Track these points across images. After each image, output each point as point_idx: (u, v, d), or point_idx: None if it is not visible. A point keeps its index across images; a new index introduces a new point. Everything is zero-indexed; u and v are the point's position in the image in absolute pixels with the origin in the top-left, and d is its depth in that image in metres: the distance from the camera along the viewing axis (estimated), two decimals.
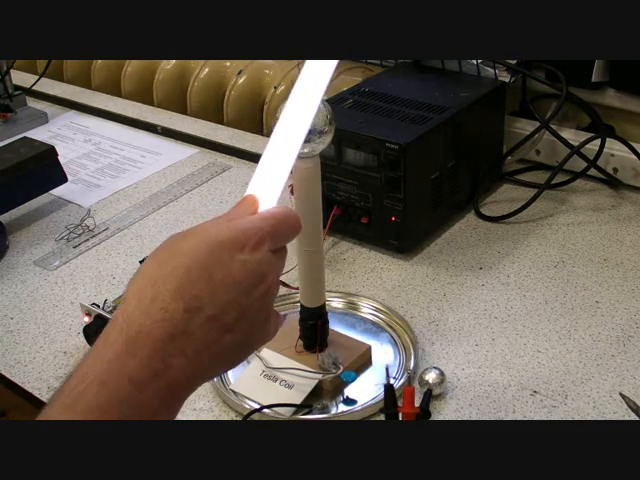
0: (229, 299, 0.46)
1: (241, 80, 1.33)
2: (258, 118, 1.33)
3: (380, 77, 1.06)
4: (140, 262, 0.85)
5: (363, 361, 0.75)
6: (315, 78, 0.55)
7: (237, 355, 0.49)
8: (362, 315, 0.82)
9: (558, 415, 0.68)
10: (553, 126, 1.00)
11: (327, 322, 0.74)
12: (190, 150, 1.22)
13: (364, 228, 0.92)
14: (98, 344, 0.45)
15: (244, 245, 0.47)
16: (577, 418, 0.68)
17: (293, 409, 0.70)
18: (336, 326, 0.78)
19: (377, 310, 0.82)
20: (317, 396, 0.71)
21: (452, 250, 0.93)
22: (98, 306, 0.79)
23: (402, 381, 0.71)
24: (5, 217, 1.03)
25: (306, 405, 0.70)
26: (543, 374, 0.73)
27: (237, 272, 0.46)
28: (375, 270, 0.90)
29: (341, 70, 1.24)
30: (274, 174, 0.53)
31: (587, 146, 0.98)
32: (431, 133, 0.89)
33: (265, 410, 0.69)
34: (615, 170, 1.02)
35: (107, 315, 0.77)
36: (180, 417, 0.69)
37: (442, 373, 0.71)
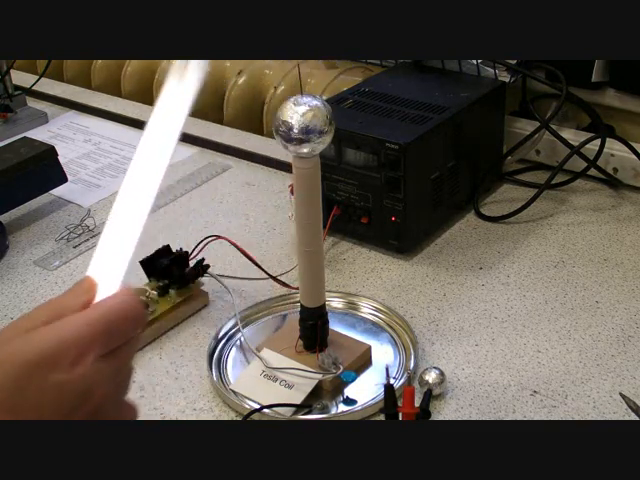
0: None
1: (241, 80, 1.33)
2: (258, 118, 1.33)
3: (380, 77, 1.06)
4: (140, 262, 0.85)
5: (363, 361, 0.75)
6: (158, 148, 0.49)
7: None
8: (362, 315, 0.82)
9: (558, 415, 0.68)
10: (553, 126, 1.00)
11: (327, 322, 0.74)
12: (190, 150, 1.22)
13: (364, 228, 0.92)
14: None
15: (59, 361, 0.38)
16: (577, 418, 0.68)
17: (293, 409, 0.70)
18: (336, 326, 0.78)
19: (377, 310, 0.82)
20: (317, 396, 0.71)
21: (452, 250, 0.93)
22: None
23: (402, 381, 0.71)
24: (5, 217, 1.03)
25: (306, 405, 0.70)
26: (543, 374, 0.73)
27: (51, 398, 0.38)
28: (375, 270, 0.90)
29: (341, 70, 1.24)
30: (117, 249, 0.45)
31: (587, 146, 0.98)
32: (431, 133, 0.89)
33: (265, 410, 0.69)
34: (615, 170, 1.02)
35: None
36: (180, 417, 0.69)
37: (442, 373, 0.71)
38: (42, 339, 0.38)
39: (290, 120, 0.63)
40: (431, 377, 0.70)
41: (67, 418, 0.38)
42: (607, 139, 0.99)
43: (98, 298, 0.42)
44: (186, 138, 1.25)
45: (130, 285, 0.44)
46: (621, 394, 0.68)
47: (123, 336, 0.42)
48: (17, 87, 1.37)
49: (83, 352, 0.39)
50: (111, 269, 0.44)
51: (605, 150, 0.99)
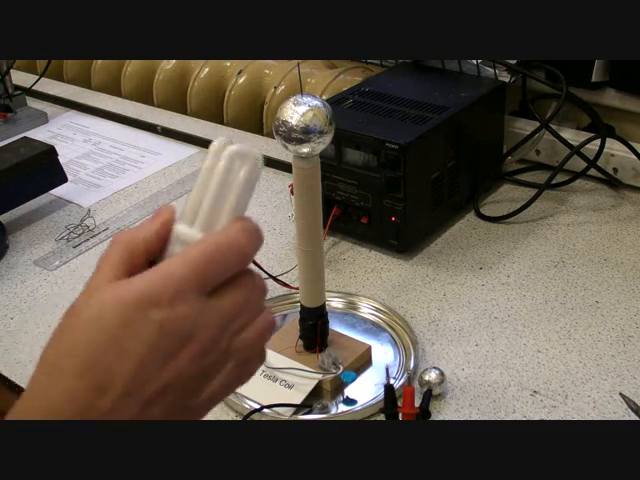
0: (145, 370, 0.38)
1: (241, 80, 1.33)
2: (258, 118, 1.33)
3: (380, 77, 1.06)
4: None
5: (363, 361, 0.75)
6: None
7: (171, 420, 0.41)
8: (362, 315, 0.82)
9: (558, 415, 0.68)
10: (553, 126, 1.00)
11: (327, 322, 0.74)
12: (190, 150, 1.22)
13: (364, 228, 0.92)
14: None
15: (158, 300, 0.38)
16: (577, 418, 0.68)
17: (293, 409, 0.70)
18: (336, 326, 0.78)
19: (377, 310, 0.82)
20: (317, 396, 0.71)
21: (452, 250, 0.93)
22: None
23: (402, 381, 0.71)
24: (5, 217, 1.03)
25: (306, 405, 0.70)
26: (543, 374, 0.73)
27: (152, 336, 0.37)
28: (375, 270, 0.90)
29: (341, 70, 1.24)
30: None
31: (587, 146, 0.98)
32: (431, 133, 0.89)
33: (265, 410, 0.69)
34: (615, 170, 1.02)
35: None
36: None
37: (442, 373, 0.71)
38: (142, 279, 0.38)
39: (290, 120, 0.63)
40: (431, 377, 0.70)
41: (170, 360, 0.38)
42: (607, 139, 0.99)
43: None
44: (186, 138, 1.25)
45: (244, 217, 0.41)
46: (621, 394, 0.68)
47: (224, 272, 0.39)
48: (17, 87, 1.37)
49: (182, 290, 0.38)
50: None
51: (605, 150, 0.99)
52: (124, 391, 0.37)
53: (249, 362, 0.42)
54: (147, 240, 0.40)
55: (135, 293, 0.38)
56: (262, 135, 1.27)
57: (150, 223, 0.41)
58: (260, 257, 0.88)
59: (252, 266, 0.42)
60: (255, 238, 0.40)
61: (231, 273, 0.40)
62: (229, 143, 0.43)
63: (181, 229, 0.41)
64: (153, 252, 0.41)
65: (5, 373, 0.78)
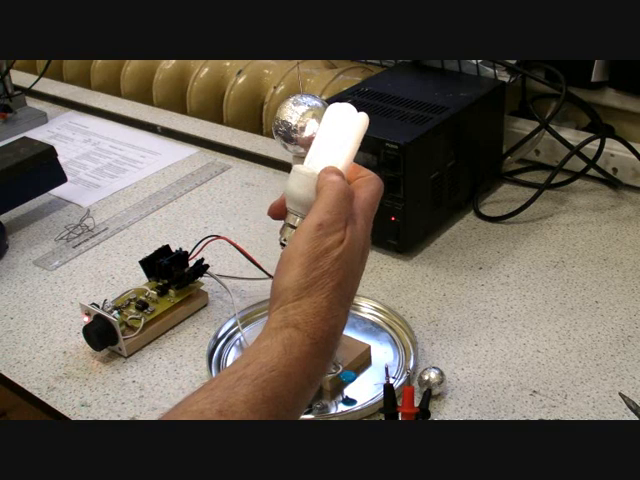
0: (338, 273, 0.53)
1: (241, 80, 1.33)
2: (258, 118, 1.33)
3: (380, 77, 1.06)
4: (140, 262, 0.85)
5: (363, 361, 0.75)
6: None
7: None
8: (362, 315, 0.82)
9: (558, 415, 0.68)
10: (553, 126, 1.00)
11: None
12: (190, 150, 1.22)
13: None
14: (280, 337, 0.51)
15: (328, 230, 0.53)
16: (576, 418, 0.68)
17: None
18: None
19: (377, 310, 0.82)
20: (317, 396, 0.71)
21: (452, 250, 0.93)
22: (98, 306, 0.79)
23: (402, 381, 0.71)
24: (5, 217, 1.03)
25: None
26: (543, 374, 0.73)
27: (339, 251, 0.53)
28: (375, 270, 0.90)
29: (341, 70, 1.24)
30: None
31: (587, 146, 0.98)
32: (431, 133, 0.89)
33: None
34: (615, 170, 1.02)
35: (106, 315, 0.77)
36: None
37: (442, 373, 0.71)
38: (310, 219, 0.54)
39: (290, 120, 0.63)
40: (431, 377, 0.70)
41: (346, 259, 0.54)
42: (607, 139, 0.99)
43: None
44: (186, 138, 1.25)
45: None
46: (621, 394, 0.68)
47: (372, 208, 0.57)
48: (17, 87, 1.37)
49: (337, 221, 0.54)
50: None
51: (605, 150, 0.99)
52: (347, 295, 0.55)
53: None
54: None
55: (313, 226, 0.54)
56: (262, 135, 1.27)
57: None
58: (260, 257, 0.88)
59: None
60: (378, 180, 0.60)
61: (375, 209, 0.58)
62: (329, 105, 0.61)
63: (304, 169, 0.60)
64: None
65: (5, 373, 0.78)
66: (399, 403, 0.66)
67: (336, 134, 0.60)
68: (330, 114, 0.60)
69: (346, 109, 0.60)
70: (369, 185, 0.59)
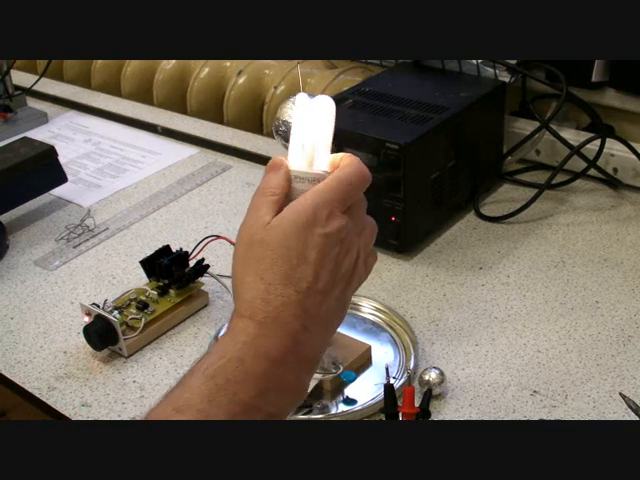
0: (321, 270, 0.52)
1: (241, 80, 1.33)
2: (258, 118, 1.33)
3: (380, 77, 1.06)
4: (140, 262, 0.85)
5: (363, 361, 0.75)
6: None
7: (344, 312, 0.56)
8: (362, 315, 0.82)
9: (558, 415, 0.68)
10: (553, 126, 1.00)
11: None
12: (190, 150, 1.22)
13: None
14: (228, 332, 0.51)
15: (317, 221, 0.52)
16: (577, 418, 0.68)
17: None
18: None
19: (377, 310, 0.82)
20: (317, 396, 0.71)
21: (452, 250, 0.93)
22: (98, 306, 0.79)
23: (402, 381, 0.71)
24: (5, 217, 1.03)
25: (306, 405, 0.70)
26: (543, 374, 0.73)
27: (321, 243, 0.51)
28: (375, 270, 0.89)
29: (341, 70, 1.24)
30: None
31: (587, 146, 0.98)
32: (431, 133, 0.89)
33: None
34: (615, 170, 1.02)
35: (107, 315, 0.77)
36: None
37: (442, 373, 0.71)
38: (302, 208, 0.51)
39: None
40: (431, 377, 0.70)
41: (334, 260, 0.52)
42: (607, 139, 0.99)
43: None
44: (186, 138, 1.25)
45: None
46: (621, 394, 0.68)
47: (355, 195, 0.54)
48: (17, 87, 1.37)
49: (332, 210, 0.52)
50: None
51: (605, 150, 0.99)
52: (320, 290, 0.51)
53: (369, 256, 0.56)
54: (284, 186, 0.55)
55: (303, 218, 0.51)
56: (262, 135, 1.27)
57: (276, 174, 0.56)
58: None
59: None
60: (365, 169, 0.56)
61: (358, 196, 0.54)
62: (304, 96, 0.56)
63: (297, 169, 0.56)
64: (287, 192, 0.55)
65: (5, 373, 0.78)
66: (399, 403, 0.66)
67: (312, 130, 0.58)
68: (298, 111, 0.58)
69: (307, 101, 0.57)
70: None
